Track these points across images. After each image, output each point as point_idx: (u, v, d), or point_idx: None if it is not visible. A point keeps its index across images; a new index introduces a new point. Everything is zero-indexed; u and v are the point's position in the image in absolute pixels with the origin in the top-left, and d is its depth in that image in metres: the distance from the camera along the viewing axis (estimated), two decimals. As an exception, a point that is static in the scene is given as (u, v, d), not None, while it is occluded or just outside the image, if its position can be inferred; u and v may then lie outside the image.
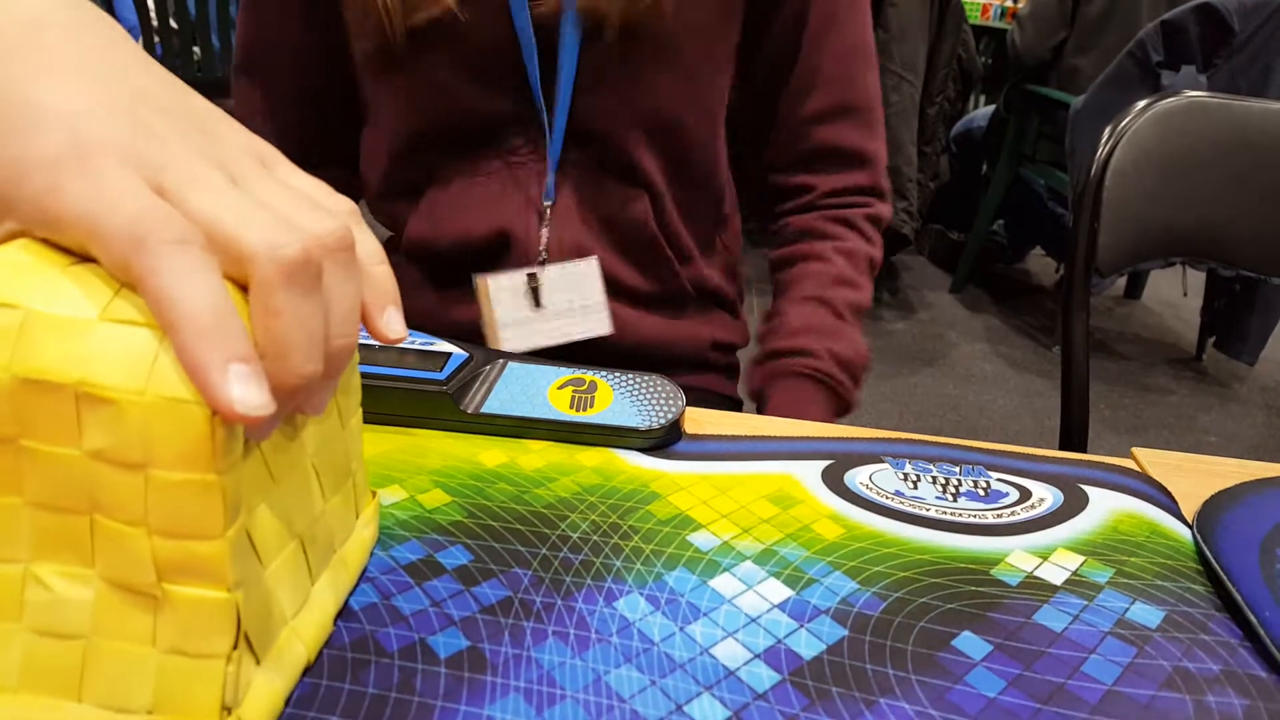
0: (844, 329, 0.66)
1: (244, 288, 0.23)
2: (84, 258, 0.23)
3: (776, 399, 0.65)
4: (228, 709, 0.24)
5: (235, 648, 0.24)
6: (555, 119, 0.60)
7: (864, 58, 0.67)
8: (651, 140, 0.62)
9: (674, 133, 0.63)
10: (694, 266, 0.69)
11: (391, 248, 0.67)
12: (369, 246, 0.28)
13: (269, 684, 0.26)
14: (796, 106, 0.67)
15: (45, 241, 0.23)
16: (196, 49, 2.64)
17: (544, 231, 0.63)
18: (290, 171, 0.27)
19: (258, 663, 0.26)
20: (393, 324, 0.28)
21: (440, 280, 0.66)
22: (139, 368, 0.22)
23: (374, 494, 0.35)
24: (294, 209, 0.25)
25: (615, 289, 0.65)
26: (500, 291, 0.63)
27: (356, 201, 0.31)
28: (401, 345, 0.46)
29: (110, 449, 0.22)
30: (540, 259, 0.63)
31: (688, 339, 0.69)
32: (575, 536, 0.36)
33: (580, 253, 0.63)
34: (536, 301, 0.63)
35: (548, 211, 0.62)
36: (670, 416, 0.44)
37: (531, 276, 0.62)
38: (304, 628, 0.28)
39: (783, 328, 0.67)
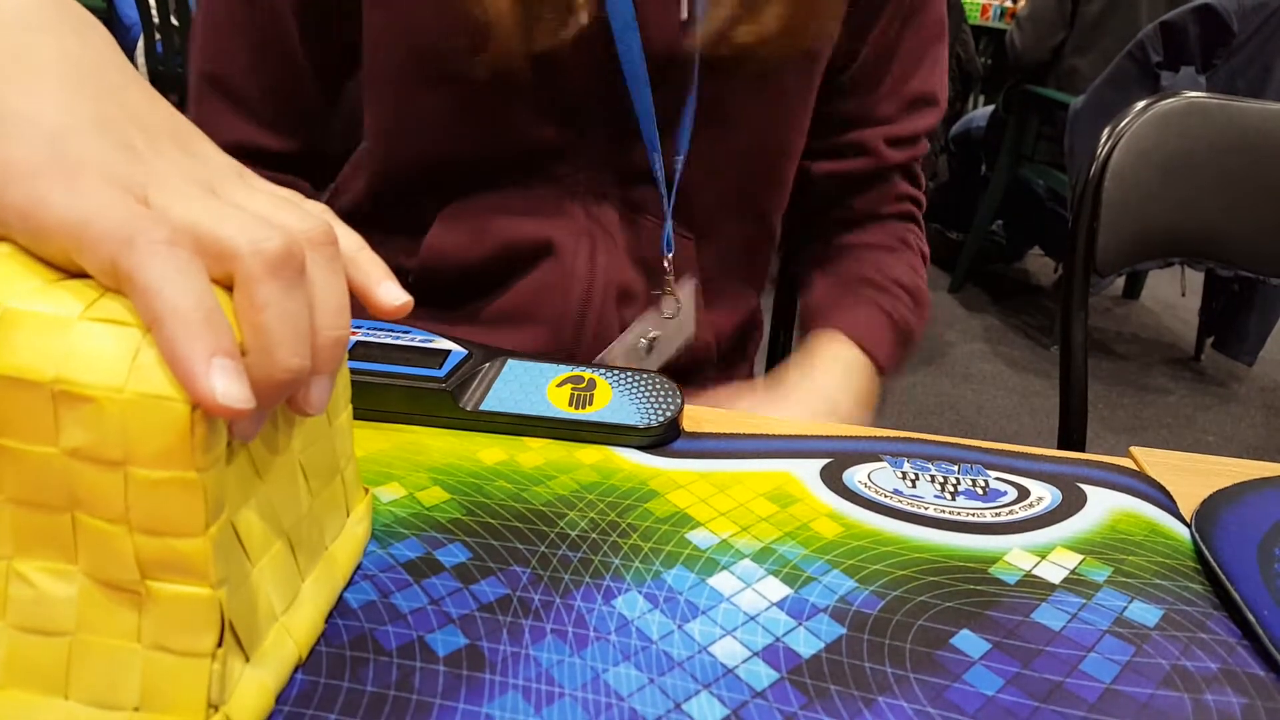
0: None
1: (229, 290, 0.23)
2: (71, 274, 0.23)
3: (860, 310, 0.64)
4: (214, 706, 0.24)
5: (220, 645, 0.24)
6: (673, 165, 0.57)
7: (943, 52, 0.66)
8: (746, 183, 0.61)
9: (770, 173, 0.61)
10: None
11: None
12: (350, 239, 0.28)
13: (258, 681, 0.26)
14: (881, 104, 0.65)
15: (31, 255, 0.23)
16: (195, 47, 2.62)
17: (669, 277, 0.59)
18: (267, 184, 0.28)
19: (246, 660, 0.26)
20: (392, 293, 0.28)
21: (446, 302, 0.61)
22: (118, 365, 0.21)
23: (367, 491, 0.35)
24: (273, 210, 0.25)
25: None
26: (615, 350, 0.60)
27: None
28: (401, 343, 0.46)
29: (89, 447, 0.22)
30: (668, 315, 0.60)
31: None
32: (574, 534, 0.36)
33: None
34: (649, 350, 0.61)
35: (666, 263, 0.59)
36: (669, 414, 0.44)
37: (653, 340, 0.60)
38: (294, 625, 0.28)
39: (880, 267, 0.67)
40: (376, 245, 0.29)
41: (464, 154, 0.58)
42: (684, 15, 0.53)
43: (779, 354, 0.86)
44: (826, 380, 0.60)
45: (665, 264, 0.60)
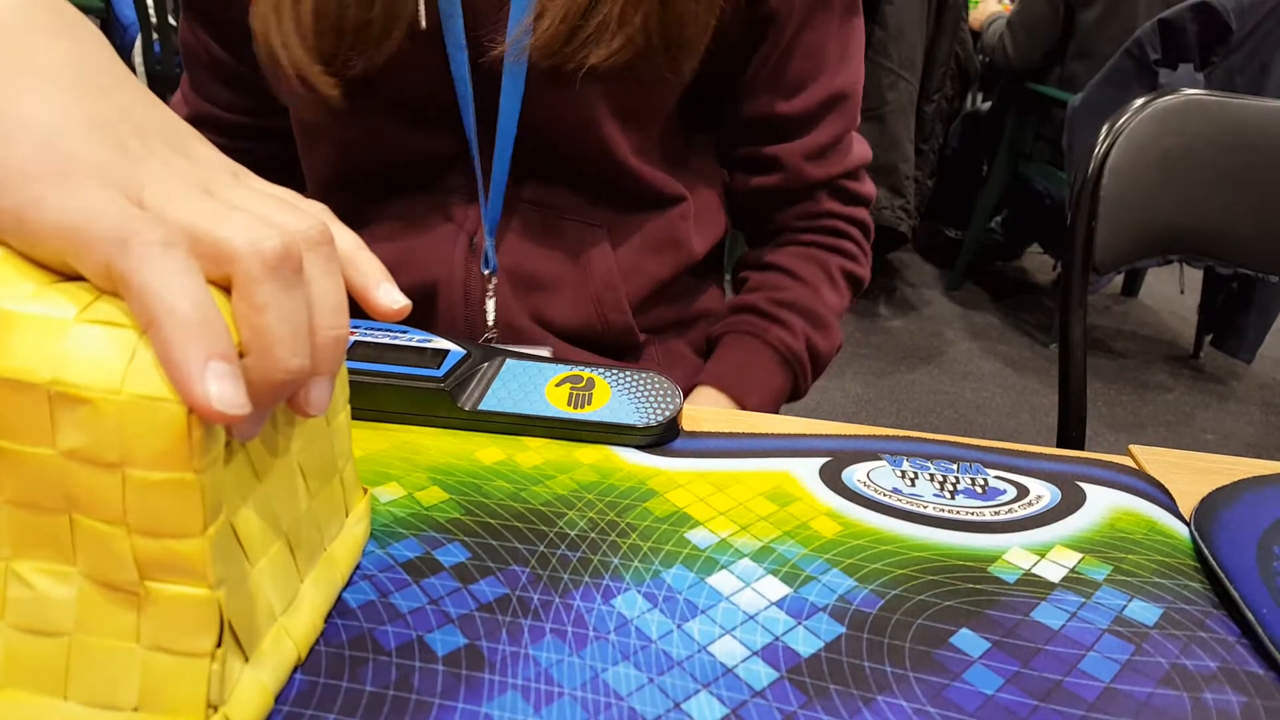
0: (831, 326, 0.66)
1: (226, 290, 0.23)
2: (67, 277, 0.23)
3: (728, 351, 0.64)
4: (213, 706, 0.24)
5: (220, 645, 0.24)
6: (494, 166, 0.57)
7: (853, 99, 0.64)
8: (601, 181, 0.59)
9: (625, 172, 0.60)
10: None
11: None
12: (347, 238, 0.28)
13: (257, 681, 0.26)
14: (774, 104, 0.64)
15: (27, 259, 0.23)
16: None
17: (489, 304, 0.59)
18: (263, 184, 0.28)
19: (245, 660, 0.26)
20: (392, 295, 0.28)
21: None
22: (115, 367, 0.21)
23: (365, 491, 0.35)
24: (270, 210, 0.25)
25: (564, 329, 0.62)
26: None
27: None
28: (399, 342, 0.46)
29: (86, 449, 0.22)
30: (485, 337, 0.60)
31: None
32: (573, 534, 0.36)
33: (527, 305, 0.60)
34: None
35: (490, 281, 0.59)
36: (668, 414, 0.44)
37: (487, 340, 0.59)
38: (293, 625, 0.28)
39: (773, 288, 0.65)
40: None
41: (353, 168, 0.60)
42: (524, 21, 0.52)
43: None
44: None
45: (487, 285, 0.59)
